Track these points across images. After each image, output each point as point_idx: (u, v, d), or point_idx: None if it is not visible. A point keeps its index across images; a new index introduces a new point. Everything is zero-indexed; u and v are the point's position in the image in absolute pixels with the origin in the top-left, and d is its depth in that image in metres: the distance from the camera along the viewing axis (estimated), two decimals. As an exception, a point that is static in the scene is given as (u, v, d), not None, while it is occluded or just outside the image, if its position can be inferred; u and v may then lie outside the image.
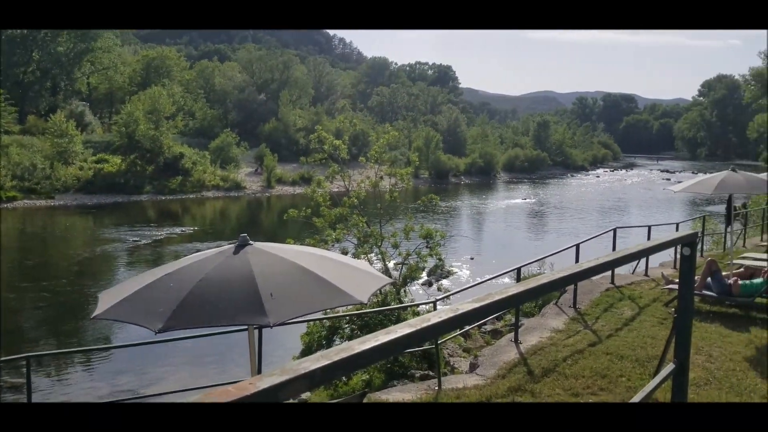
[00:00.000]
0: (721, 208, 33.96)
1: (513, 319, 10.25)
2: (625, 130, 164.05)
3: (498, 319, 13.10)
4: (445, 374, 8.51)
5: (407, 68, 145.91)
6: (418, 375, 9.37)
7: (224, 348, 13.41)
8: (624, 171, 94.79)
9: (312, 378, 1.07)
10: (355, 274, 4.59)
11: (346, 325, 11.28)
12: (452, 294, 10.36)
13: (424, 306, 10.02)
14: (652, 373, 6.57)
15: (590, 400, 6.50)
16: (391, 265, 13.42)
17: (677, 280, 2.73)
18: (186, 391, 8.37)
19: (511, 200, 52.00)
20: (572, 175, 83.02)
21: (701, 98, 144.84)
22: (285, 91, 71.03)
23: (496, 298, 1.49)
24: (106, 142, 51.18)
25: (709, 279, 9.58)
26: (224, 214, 43.00)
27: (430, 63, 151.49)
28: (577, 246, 10.69)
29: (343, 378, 9.46)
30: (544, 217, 42.75)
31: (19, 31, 52.25)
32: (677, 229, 16.87)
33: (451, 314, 1.35)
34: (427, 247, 13.17)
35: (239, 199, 48.23)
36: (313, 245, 11.21)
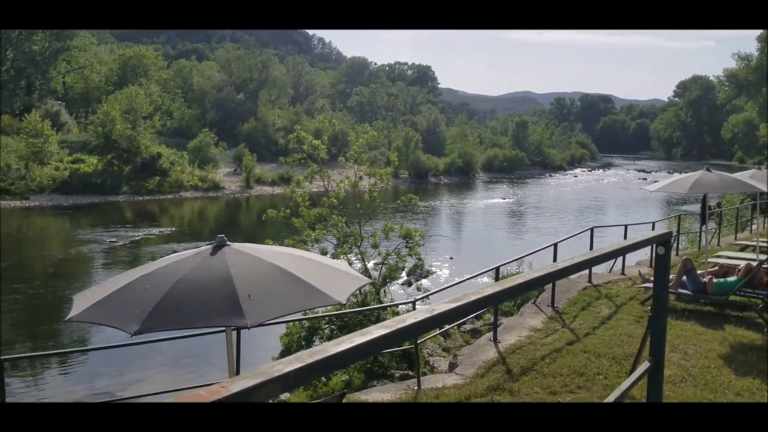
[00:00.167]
0: (697, 208, 34.50)
1: (492, 318, 10.30)
2: (603, 130, 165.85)
3: (477, 318, 13.15)
4: (425, 374, 8.53)
5: (386, 68, 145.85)
6: (397, 375, 9.37)
7: (202, 350, 13.31)
8: (601, 171, 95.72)
9: (285, 381, 1.05)
10: (333, 274, 4.57)
11: (326, 326, 11.25)
12: (431, 294, 10.35)
13: (403, 306, 10.01)
14: (629, 371, 6.64)
15: (568, 398, 6.55)
16: (370, 265, 13.40)
17: (653, 278, 2.75)
18: (161, 394, 8.28)
19: (489, 200, 52.23)
20: (550, 175, 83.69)
21: (677, 99, 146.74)
22: (264, 90, 70.65)
23: (473, 298, 1.49)
24: (83, 142, 50.44)
25: (684, 277, 9.71)
26: (202, 214, 42.65)
27: (410, 63, 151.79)
28: (555, 245, 10.79)
29: (323, 378, 9.43)
30: (523, 217, 43.00)
31: (-9, 29, 51.33)
32: (653, 228, 17.10)
33: (428, 315, 1.35)
34: (406, 246, 13.17)
35: (218, 199, 47.87)
36: (292, 246, 11.17)
